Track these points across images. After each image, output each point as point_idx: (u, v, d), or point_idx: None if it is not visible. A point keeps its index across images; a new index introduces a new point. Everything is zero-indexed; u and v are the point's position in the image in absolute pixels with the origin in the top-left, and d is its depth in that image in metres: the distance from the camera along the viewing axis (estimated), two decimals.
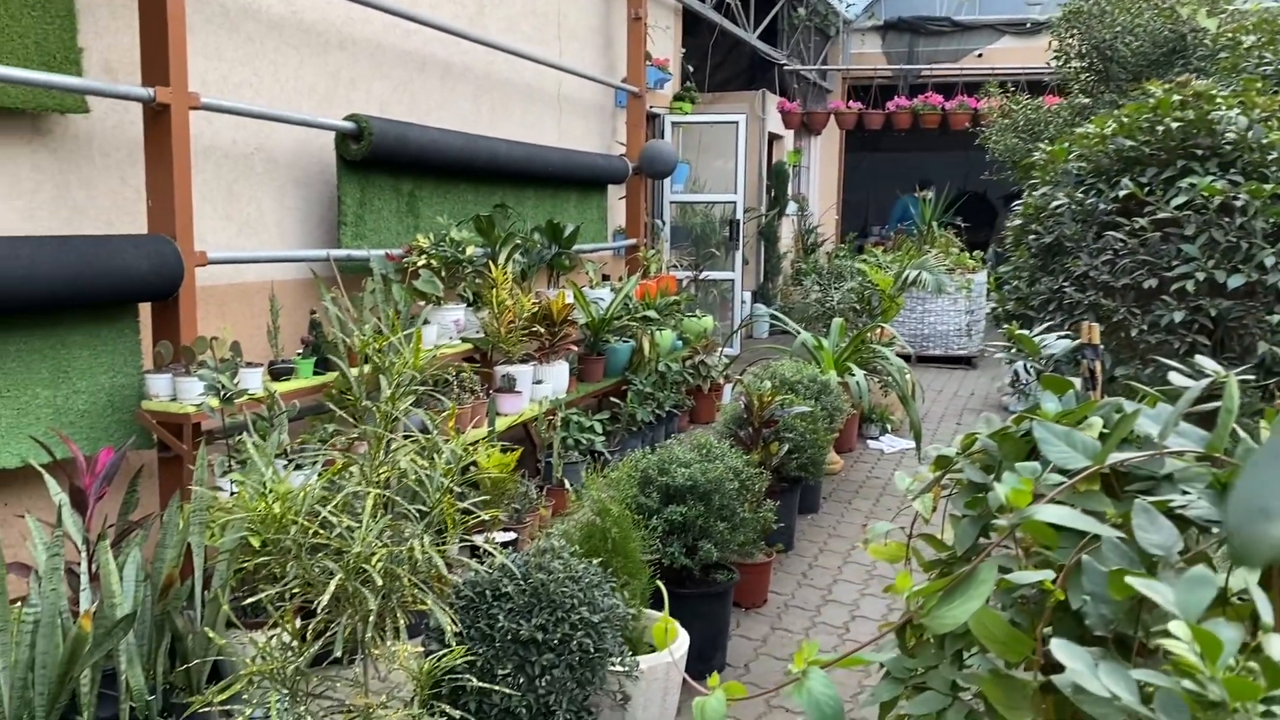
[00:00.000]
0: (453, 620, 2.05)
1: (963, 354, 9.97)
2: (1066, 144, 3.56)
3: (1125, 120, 3.30)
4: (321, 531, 1.92)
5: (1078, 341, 1.98)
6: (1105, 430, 1.56)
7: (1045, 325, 2.98)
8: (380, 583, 1.86)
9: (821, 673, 1.09)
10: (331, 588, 1.82)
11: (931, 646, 1.60)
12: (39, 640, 2.49)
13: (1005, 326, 2.35)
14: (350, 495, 2.02)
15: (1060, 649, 0.95)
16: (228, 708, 2.98)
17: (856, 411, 6.55)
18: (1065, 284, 3.23)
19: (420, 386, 2.22)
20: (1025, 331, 2.26)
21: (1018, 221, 3.63)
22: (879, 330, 6.73)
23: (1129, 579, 0.97)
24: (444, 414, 2.43)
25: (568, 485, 4.83)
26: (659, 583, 2.26)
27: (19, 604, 2.60)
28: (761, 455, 4.32)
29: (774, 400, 4.55)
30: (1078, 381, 1.77)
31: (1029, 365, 3.16)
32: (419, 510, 2.10)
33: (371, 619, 1.89)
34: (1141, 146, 3.22)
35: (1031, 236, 3.48)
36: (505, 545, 3.42)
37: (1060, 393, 1.70)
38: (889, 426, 7.15)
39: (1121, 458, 1.31)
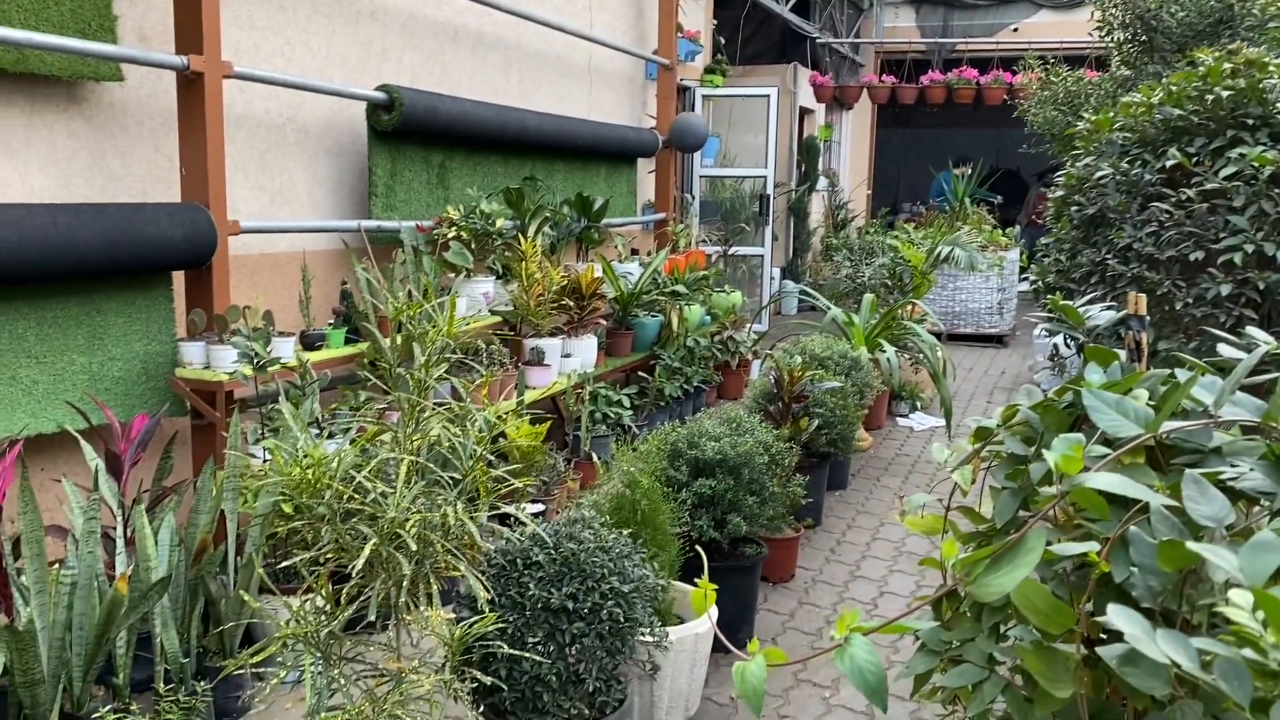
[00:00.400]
0: (485, 587, 2.05)
1: (994, 332, 9.86)
2: (1111, 113, 3.47)
3: (1173, 89, 3.20)
4: (356, 496, 1.92)
5: (1123, 312, 1.93)
6: (1151, 403, 1.52)
7: (1087, 298, 2.91)
8: (414, 548, 1.86)
9: (864, 639, 1.07)
10: (366, 552, 1.82)
11: (968, 619, 1.58)
12: (76, 601, 2.52)
13: (1049, 298, 2.29)
14: (384, 461, 2.02)
15: (1117, 614, 0.92)
16: (260, 670, 3.01)
17: (887, 389, 6.50)
18: (1108, 256, 3.15)
19: (453, 355, 2.21)
20: (1069, 303, 2.22)
21: (1060, 193, 3.55)
22: (910, 307, 6.66)
23: (1191, 545, 0.94)
24: (477, 382, 2.43)
25: (595, 459, 4.83)
26: (699, 548, 2.25)
27: (57, 566, 2.64)
28: (791, 430, 4.29)
29: (804, 375, 4.51)
30: (1122, 354, 1.73)
31: (1069, 339, 3.09)
32: (451, 478, 2.09)
33: (405, 584, 1.89)
34: (1190, 115, 3.13)
35: (1074, 208, 3.40)
36: (533, 517, 3.42)
37: (1105, 364, 1.66)
38: (919, 404, 7.09)
39: (1176, 426, 1.27)
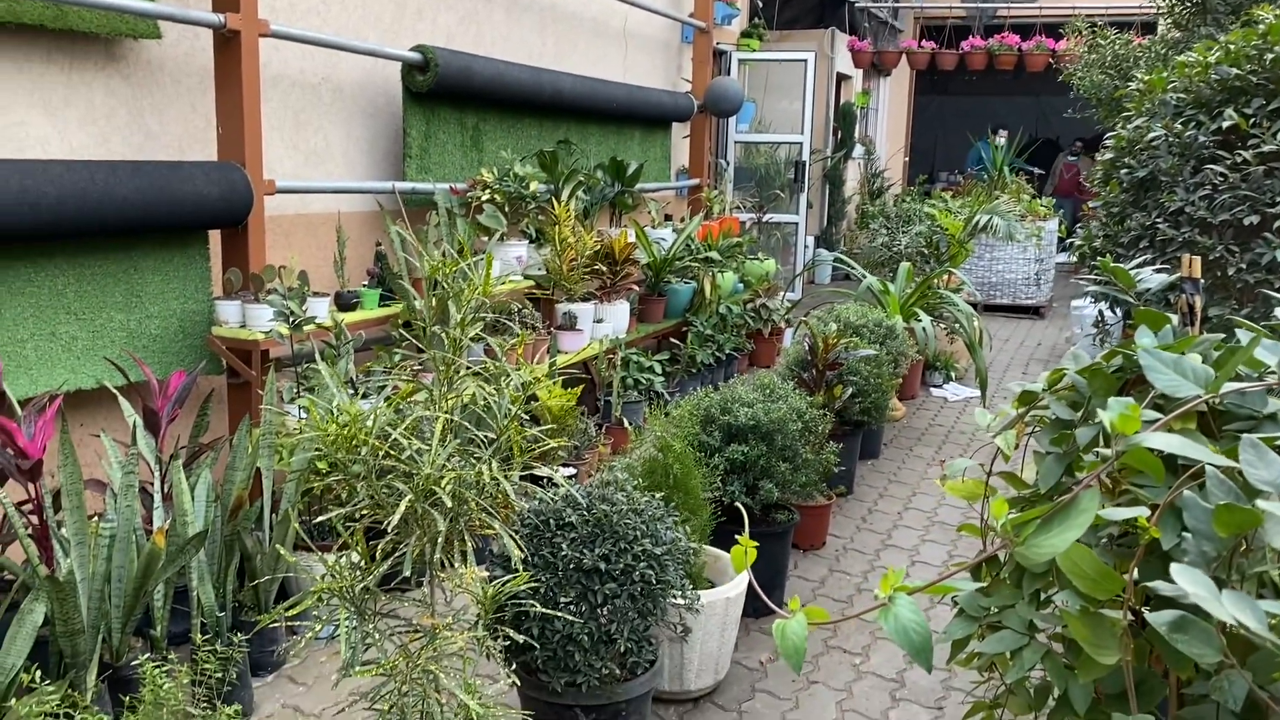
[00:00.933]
0: (519, 546, 2.05)
1: (1031, 303, 9.70)
2: (1165, 73, 3.35)
3: (1231, 48, 3.09)
4: (392, 453, 1.92)
5: (1176, 275, 1.86)
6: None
7: (1136, 262, 2.83)
8: (449, 504, 1.86)
9: (909, 599, 1.05)
10: (402, 508, 1.82)
11: (1008, 585, 1.55)
12: (115, 554, 2.56)
13: (1099, 260, 2.23)
14: (419, 419, 2.01)
15: (1181, 574, 0.89)
16: (295, 624, 3.05)
17: (921, 358, 6.43)
18: (1158, 220, 3.06)
19: (487, 315, 2.20)
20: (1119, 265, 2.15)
21: (1109, 155, 3.45)
22: (947, 276, 6.55)
23: (1260, 503, 0.90)
24: (512, 343, 2.42)
25: (627, 424, 4.82)
26: (740, 505, 2.23)
27: (95, 519, 2.67)
28: (824, 398, 4.25)
29: (839, 343, 4.46)
30: (1173, 319, 1.67)
31: (1115, 305, 3.01)
32: (486, 437, 2.09)
33: (440, 540, 1.89)
34: (1248, 75, 3.02)
35: (1124, 171, 3.30)
36: (566, 479, 3.42)
37: (1156, 328, 1.61)
38: (953, 374, 7.01)
39: (1237, 387, 1.22)
